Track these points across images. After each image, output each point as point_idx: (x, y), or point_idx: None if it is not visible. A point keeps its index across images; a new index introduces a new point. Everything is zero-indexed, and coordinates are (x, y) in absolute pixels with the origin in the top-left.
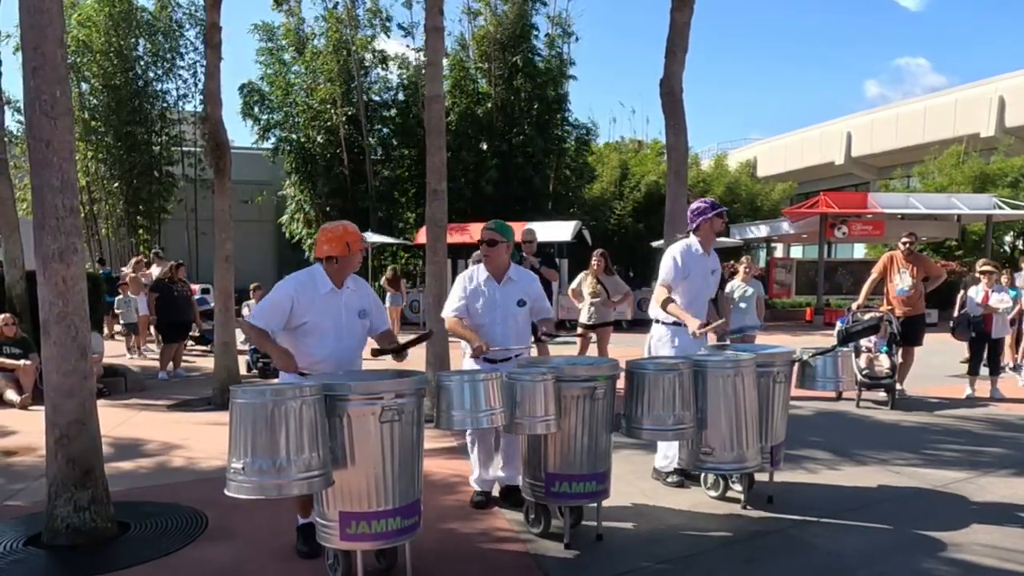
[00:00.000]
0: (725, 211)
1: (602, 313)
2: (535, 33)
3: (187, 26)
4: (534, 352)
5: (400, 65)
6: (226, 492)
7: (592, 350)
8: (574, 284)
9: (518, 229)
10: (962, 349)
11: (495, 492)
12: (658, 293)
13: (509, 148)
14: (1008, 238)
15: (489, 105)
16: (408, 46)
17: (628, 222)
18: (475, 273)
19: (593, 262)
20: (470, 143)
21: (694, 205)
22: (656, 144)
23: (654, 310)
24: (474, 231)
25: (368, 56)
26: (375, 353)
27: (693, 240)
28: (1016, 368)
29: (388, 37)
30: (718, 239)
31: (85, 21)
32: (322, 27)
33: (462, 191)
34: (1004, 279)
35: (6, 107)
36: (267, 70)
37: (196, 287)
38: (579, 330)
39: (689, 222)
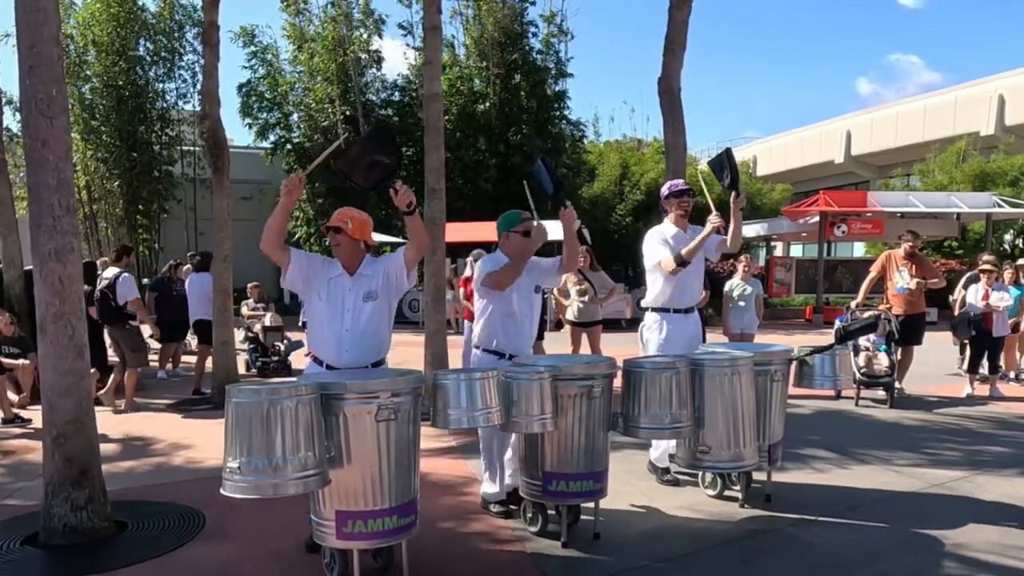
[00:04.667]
0: (681, 190)
1: (591, 311)
2: (533, 31)
3: (187, 27)
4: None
5: (408, 64)
6: (222, 491)
7: (584, 349)
8: (559, 283)
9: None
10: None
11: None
12: (666, 264)
13: (507, 147)
14: (1008, 236)
15: (487, 104)
16: (408, 45)
17: (628, 221)
18: (501, 259)
19: (582, 260)
20: (468, 142)
21: (662, 189)
22: (656, 143)
23: (646, 300)
24: (471, 230)
25: (364, 56)
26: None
27: (665, 223)
28: (1017, 378)
29: (381, 38)
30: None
31: (89, 19)
32: (319, 28)
33: (460, 190)
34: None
35: (7, 106)
36: (254, 74)
37: None
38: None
39: (660, 209)
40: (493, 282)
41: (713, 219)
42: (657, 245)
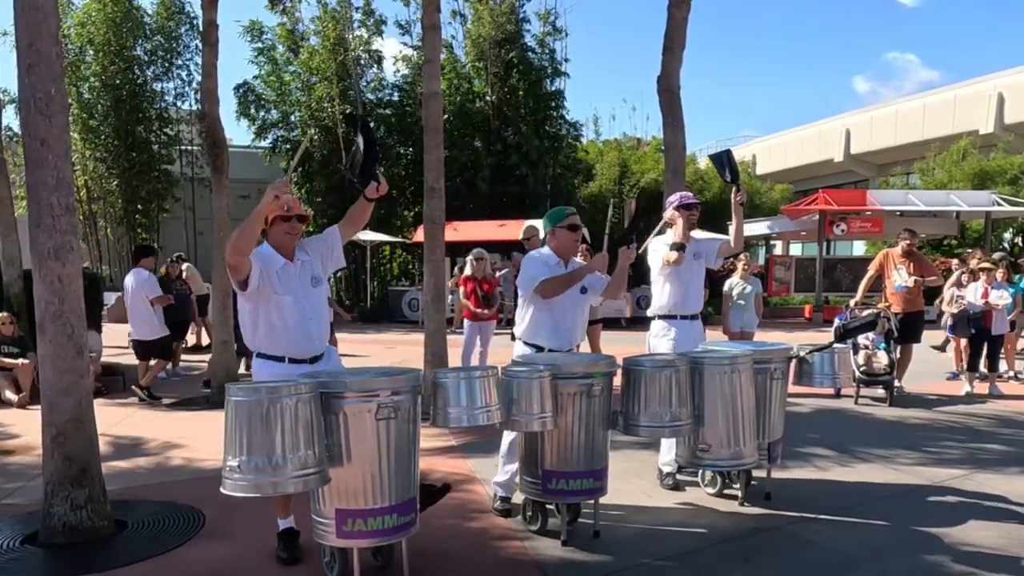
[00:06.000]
0: (691, 203)
1: (591, 310)
2: (527, 27)
3: (183, 26)
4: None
5: (398, 63)
6: (222, 490)
7: (584, 348)
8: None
9: (517, 227)
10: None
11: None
12: (667, 255)
13: (504, 147)
14: (1007, 235)
15: (484, 103)
16: (406, 44)
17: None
18: (545, 256)
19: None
20: (464, 141)
21: (669, 198)
22: (656, 141)
23: (652, 308)
24: (470, 229)
25: (364, 56)
26: None
27: (668, 233)
28: (1017, 377)
29: (382, 38)
30: (717, 236)
31: (85, 20)
32: (318, 28)
33: (459, 190)
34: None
35: (10, 105)
36: (261, 70)
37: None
38: None
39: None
40: (544, 290)
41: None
42: (661, 247)
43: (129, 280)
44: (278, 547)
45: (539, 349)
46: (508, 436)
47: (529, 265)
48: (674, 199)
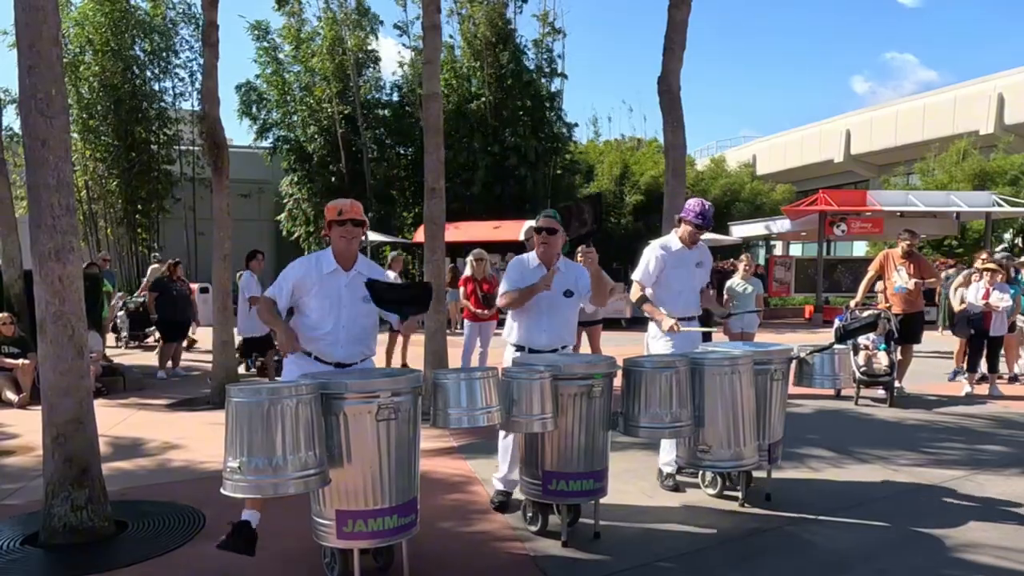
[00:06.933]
0: (703, 225)
1: (591, 311)
2: (512, 28)
3: (181, 24)
4: None
5: (403, 66)
6: (222, 491)
7: (584, 348)
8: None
9: (518, 228)
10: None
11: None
12: (634, 290)
13: (502, 148)
14: (1008, 235)
15: (482, 102)
16: (404, 45)
17: (627, 221)
18: (528, 259)
19: (579, 256)
20: (463, 143)
21: (690, 201)
22: (655, 142)
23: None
24: (470, 230)
25: (362, 56)
26: None
27: (672, 237)
28: (1014, 379)
29: (377, 38)
30: (717, 237)
31: (82, 20)
32: (319, 28)
33: (457, 191)
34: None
35: (10, 105)
36: (264, 69)
37: (195, 286)
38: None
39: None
40: (502, 303)
41: (667, 328)
42: (648, 266)
43: (242, 281)
44: (225, 537)
45: (520, 348)
46: (502, 436)
47: (508, 272)
48: (691, 212)
